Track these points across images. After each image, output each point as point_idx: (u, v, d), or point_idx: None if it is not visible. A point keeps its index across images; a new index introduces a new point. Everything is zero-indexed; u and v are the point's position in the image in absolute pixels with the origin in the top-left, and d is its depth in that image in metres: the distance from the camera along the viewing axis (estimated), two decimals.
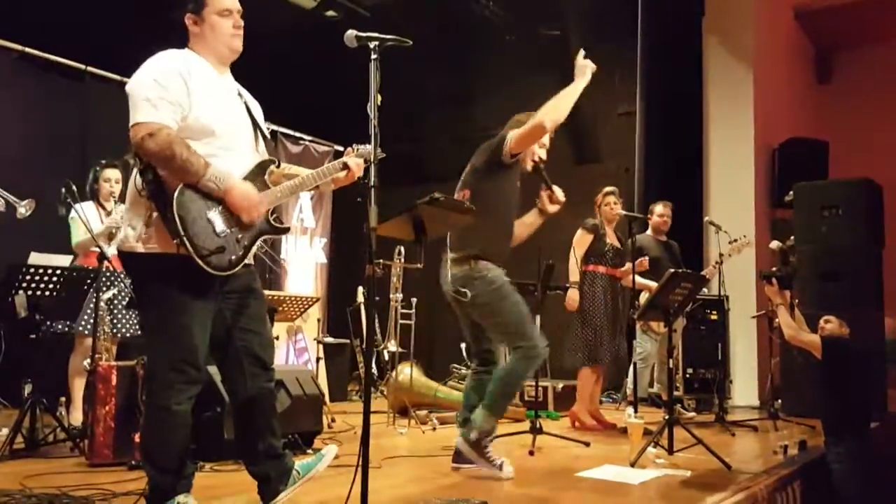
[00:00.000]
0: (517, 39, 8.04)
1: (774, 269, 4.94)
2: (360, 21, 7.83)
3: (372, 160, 2.41)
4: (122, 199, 4.54)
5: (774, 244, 6.20)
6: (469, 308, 3.50)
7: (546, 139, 3.75)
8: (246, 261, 2.54)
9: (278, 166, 2.70)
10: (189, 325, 2.44)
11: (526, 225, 3.79)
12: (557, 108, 3.47)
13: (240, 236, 2.49)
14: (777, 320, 4.51)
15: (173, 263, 2.38)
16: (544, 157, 3.79)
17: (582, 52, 3.55)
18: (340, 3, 7.70)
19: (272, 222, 2.60)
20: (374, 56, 2.43)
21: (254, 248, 2.58)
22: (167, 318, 2.44)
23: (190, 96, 2.43)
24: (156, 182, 2.39)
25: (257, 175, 2.60)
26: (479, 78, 8.73)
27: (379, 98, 2.43)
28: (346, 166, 2.73)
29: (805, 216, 6.51)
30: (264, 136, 2.73)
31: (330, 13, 7.68)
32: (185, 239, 2.33)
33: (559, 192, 3.72)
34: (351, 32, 2.53)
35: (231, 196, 2.44)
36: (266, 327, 2.73)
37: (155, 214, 2.40)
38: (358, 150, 2.74)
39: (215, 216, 2.43)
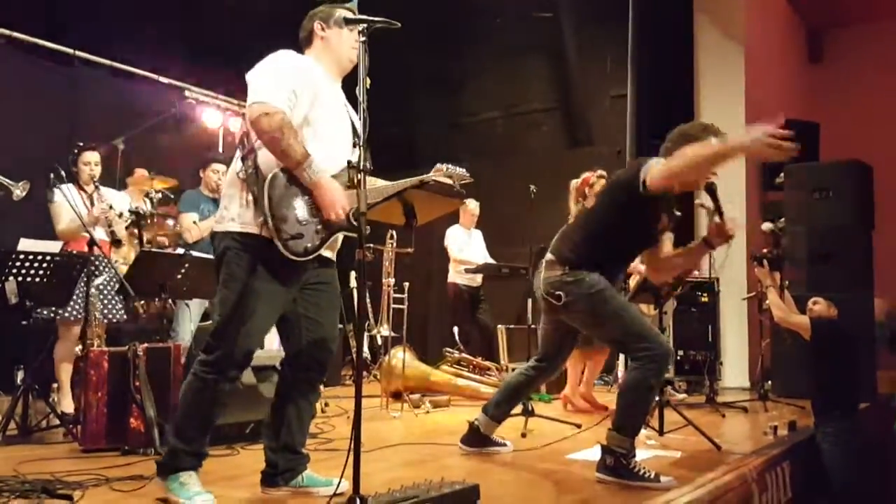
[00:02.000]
0: (507, 21, 8.00)
1: (765, 250, 4.96)
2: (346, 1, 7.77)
3: (361, 145, 2.42)
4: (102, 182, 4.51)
5: (766, 226, 6.22)
6: (563, 314, 3.26)
7: None
8: (323, 252, 2.64)
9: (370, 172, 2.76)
10: (259, 309, 2.56)
11: (691, 255, 3.42)
12: (701, 164, 2.94)
13: (319, 227, 2.60)
14: (767, 302, 4.54)
15: (257, 244, 2.53)
16: (715, 177, 3.24)
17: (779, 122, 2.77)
18: None
19: (352, 221, 2.63)
20: (362, 38, 2.44)
21: (330, 241, 2.66)
22: (240, 298, 2.55)
23: (302, 90, 2.59)
24: (254, 167, 2.56)
25: (348, 174, 2.66)
26: (470, 61, 8.70)
27: (368, 81, 2.44)
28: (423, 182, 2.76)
29: (796, 198, 6.52)
30: (361, 145, 2.77)
31: None
32: (269, 220, 2.48)
33: (731, 223, 3.21)
34: (340, 13, 2.55)
35: (319, 190, 2.56)
36: (330, 319, 2.81)
37: (249, 197, 2.55)
38: (447, 169, 2.81)
39: (300, 204, 2.57)
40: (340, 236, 2.70)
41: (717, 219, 3.24)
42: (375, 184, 2.78)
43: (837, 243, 6.22)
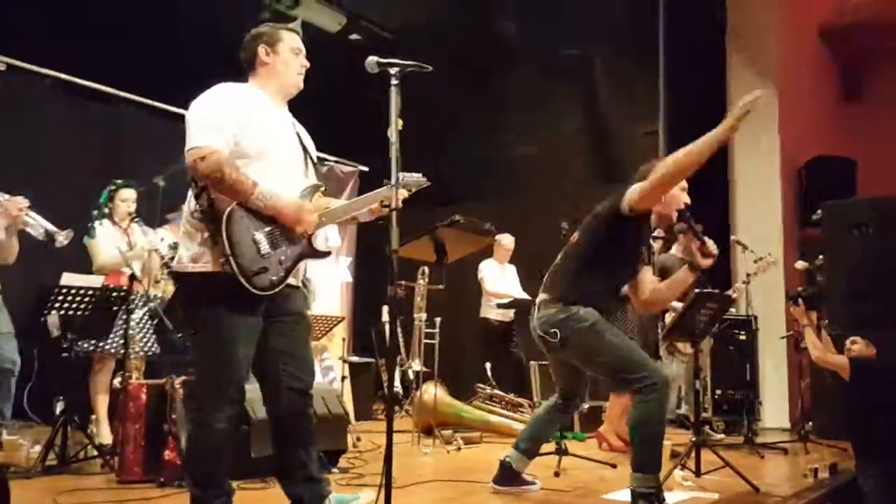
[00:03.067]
0: (538, 59, 8.08)
1: (800, 289, 4.88)
2: (383, 44, 7.95)
3: (394, 185, 2.45)
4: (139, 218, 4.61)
5: (800, 264, 6.12)
6: (561, 351, 3.30)
7: (684, 182, 3.30)
8: (290, 282, 2.63)
9: (325, 192, 2.80)
10: (234, 344, 2.54)
11: (677, 282, 3.44)
12: (691, 153, 2.99)
13: (282, 258, 2.59)
14: (804, 341, 4.45)
15: (221, 282, 2.49)
16: (688, 201, 3.36)
17: (756, 93, 2.90)
18: (364, 27, 7.83)
19: (314, 246, 2.69)
20: (394, 82, 2.49)
21: (296, 270, 2.66)
22: (213, 336, 2.55)
23: (242, 123, 2.57)
24: (209, 204, 2.53)
25: (306, 198, 2.71)
26: (501, 98, 8.78)
27: (400, 122, 2.48)
28: (382, 200, 2.77)
29: (834, 235, 6.42)
30: (314, 165, 2.86)
31: (354, 37, 7.81)
32: (230, 258, 2.46)
33: (711, 245, 3.29)
34: (372, 59, 2.61)
35: (282, 212, 2.56)
36: (308, 352, 2.81)
37: (205, 235, 2.53)
38: (403, 178, 2.73)
39: (261, 237, 2.55)
40: (303, 264, 2.69)
41: (697, 243, 3.29)
42: (331, 204, 2.79)
43: (877, 280, 6.09)
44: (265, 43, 2.71)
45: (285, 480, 2.73)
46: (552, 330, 3.23)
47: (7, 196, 4.23)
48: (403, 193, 2.68)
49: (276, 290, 2.55)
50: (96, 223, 4.39)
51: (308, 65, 2.78)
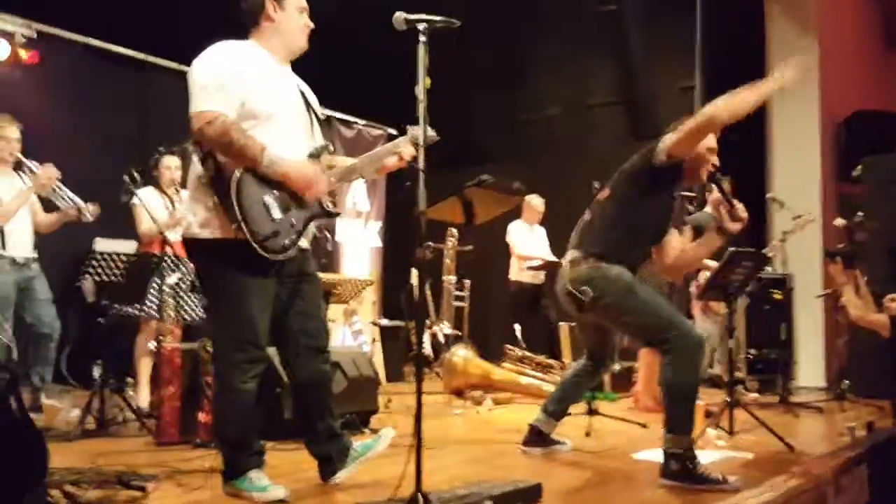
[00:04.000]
0: (570, 15, 7.89)
1: (840, 246, 4.75)
2: (409, 3, 7.80)
3: (420, 143, 2.40)
4: (182, 185, 4.65)
5: (839, 221, 5.95)
6: (592, 311, 3.20)
7: (713, 142, 3.19)
8: (301, 245, 2.61)
9: (332, 152, 2.77)
10: (249, 306, 2.54)
11: (703, 246, 3.35)
12: (731, 104, 2.89)
13: (294, 221, 2.57)
14: (843, 300, 4.36)
15: (233, 247, 2.48)
16: (717, 162, 3.24)
17: (799, 59, 2.81)
18: None
19: (325, 206, 2.67)
20: (422, 38, 2.42)
21: (308, 232, 2.64)
22: (229, 300, 2.56)
23: (246, 85, 2.51)
24: (215, 169, 2.49)
25: (314, 160, 2.68)
26: (530, 57, 8.62)
27: (428, 80, 2.43)
28: (398, 152, 2.76)
29: (874, 191, 6.27)
30: (320, 123, 2.80)
31: None
32: (242, 224, 2.44)
33: (741, 208, 3.17)
34: (399, 15, 2.53)
35: (291, 177, 2.53)
36: (320, 310, 2.83)
37: (215, 200, 2.50)
38: (411, 133, 2.69)
39: (271, 201, 2.52)
40: (313, 225, 2.68)
41: (726, 206, 3.18)
42: (346, 163, 2.77)
43: None
44: None
45: (311, 441, 2.77)
46: (583, 287, 3.14)
47: (38, 165, 4.29)
48: (411, 150, 2.65)
49: (289, 253, 2.55)
50: (132, 189, 4.42)
51: (312, 25, 2.71)
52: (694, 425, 3.09)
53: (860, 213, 6.22)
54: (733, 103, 2.90)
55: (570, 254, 3.29)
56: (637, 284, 3.15)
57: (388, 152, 2.78)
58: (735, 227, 3.18)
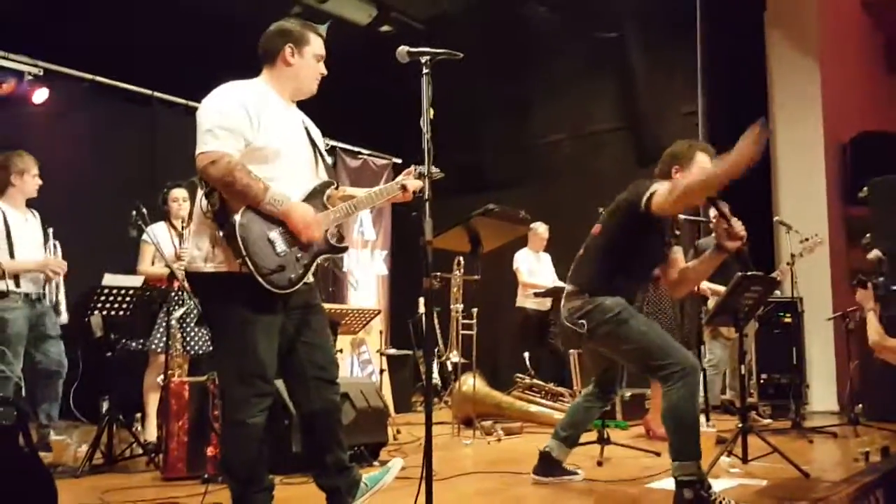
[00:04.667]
0: (573, 43, 7.96)
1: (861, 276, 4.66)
2: (414, 34, 7.90)
3: (426, 175, 2.41)
4: (191, 218, 4.67)
5: (873, 254, 5.81)
6: (590, 341, 3.33)
7: (706, 164, 3.27)
8: (307, 279, 2.61)
9: (336, 188, 2.80)
10: (256, 340, 2.53)
11: (703, 266, 3.39)
12: (704, 183, 3.00)
13: (299, 255, 2.58)
14: (851, 323, 4.32)
15: (238, 282, 2.48)
16: None
17: (757, 128, 2.83)
18: (395, 18, 7.79)
19: (331, 241, 2.68)
20: (425, 71, 2.45)
21: (313, 267, 2.65)
22: (235, 334, 2.54)
23: (252, 124, 2.54)
24: (220, 204, 2.50)
25: (316, 196, 2.70)
26: (535, 84, 8.68)
27: (432, 112, 2.45)
28: (404, 187, 2.78)
29: (881, 212, 6.24)
30: (324, 161, 2.84)
31: (385, 28, 7.78)
32: (247, 259, 2.44)
33: (738, 226, 3.19)
34: (403, 48, 2.57)
35: (291, 218, 2.54)
36: (328, 341, 2.82)
37: (219, 235, 2.50)
38: (418, 170, 2.74)
39: (276, 236, 2.53)
40: (319, 259, 2.67)
41: (724, 224, 3.20)
42: (357, 194, 2.78)
43: None
44: (293, 42, 2.67)
45: (320, 474, 2.74)
46: (579, 321, 3.26)
47: (58, 247, 4.32)
48: (418, 184, 2.67)
49: (296, 287, 2.56)
50: (140, 224, 4.43)
51: (325, 73, 2.75)
52: (700, 450, 3.06)
53: (868, 235, 6.21)
54: (706, 182, 2.99)
55: (568, 287, 3.41)
56: (632, 314, 3.22)
57: (395, 188, 2.80)
58: (733, 244, 3.22)
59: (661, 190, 3.09)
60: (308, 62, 2.69)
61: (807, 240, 5.52)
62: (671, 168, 3.30)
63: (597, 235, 3.39)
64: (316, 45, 2.72)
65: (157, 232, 4.54)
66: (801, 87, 7.20)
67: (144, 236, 4.45)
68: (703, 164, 3.27)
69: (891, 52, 9.17)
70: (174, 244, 4.63)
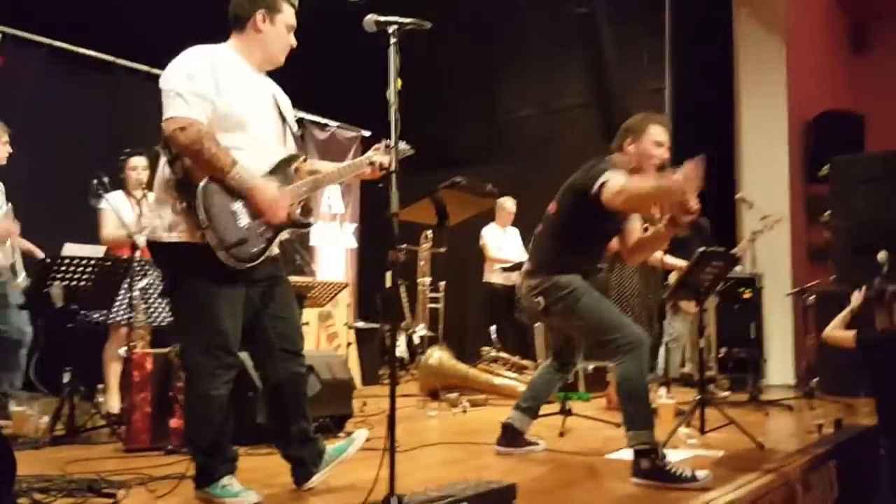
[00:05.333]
0: (542, 18, 7.94)
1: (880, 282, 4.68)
2: (384, 3, 7.80)
3: (393, 147, 2.41)
4: (149, 187, 4.60)
5: (882, 255, 5.56)
6: (546, 318, 3.47)
7: (660, 136, 3.32)
8: (269, 253, 2.59)
9: (304, 161, 2.76)
10: (219, 311, 2.51)
11: (657, 237, 3.43)
12: (635, 192, 3.05)
13: (262, 229, 2.55)
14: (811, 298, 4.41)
15: (200, 252, 2.45)
16: (666, 156, 3.35)
17: (696, 162, 2.82)
18: None
19: (295, 217, 2.65)
20: (392, 41, 2.42)
21: (276, 241, 2.63)
22: (197, 305, 2.52)
23: (220, 90, 2.49)
24: (183, 173, 2.46)
25: (283, 169, 2.66)
26: (504, 59, 8.66)
27: (399, 83, 2.43)
28: (372, 163, 2.76)
29: (841, 191, 6.39)
30: (292, 132, 2.79)
31: None
32: (208, 230, 2.41)
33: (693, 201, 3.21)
34: (370, 17, 2.53)
35: (254, 196, 2.50)
36: (294, 313, 2.80)
37: (182, 205, 2.46)
38: (386, 144, 2.70)
39: (239, 209, 2.50)
40: (283, 234, 2.66)
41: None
42: (327, 168, 2.76)
43: (885, 235, 6.04)
44: (265, 8, 2.62)
45: (285, 444, 2.75)
46: (536, 298, 3.35)
47: (9, 209, 4.22)
48: (387, 160, 2.65)
49: (259, 261, 2.53)
50: (99, 192, 4.36)
51: (295, 44, 2.71)
52: (652, 420, 3.16)
53: (827, 213, 6.35)
54: (651, 195, 3.06)
55: (526, 265, 3.49)
56: (585, 291, 3.29)
57: (363, 163, 2.78)
58: (685, 219, 3.25)
59: (611, 184, 3.10)
60: (279, 30, 2.64)
61: (767, 217, 5.63)
62: (624, 140, 3.36)
63: (552, 214, 3.44)
64: (288, 14, 2.67)
65: (116, 200, 4.46)
66: (767, 65, 7.28)
67: (104, 203, 4.37)
68: (655, 137, 3.32)
69: (855, 33, 9.31)
70: (135, 212, 4.55)
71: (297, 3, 2.72)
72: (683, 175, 2.80)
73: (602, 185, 3.12)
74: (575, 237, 3.34)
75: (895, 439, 3.84)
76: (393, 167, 2.43)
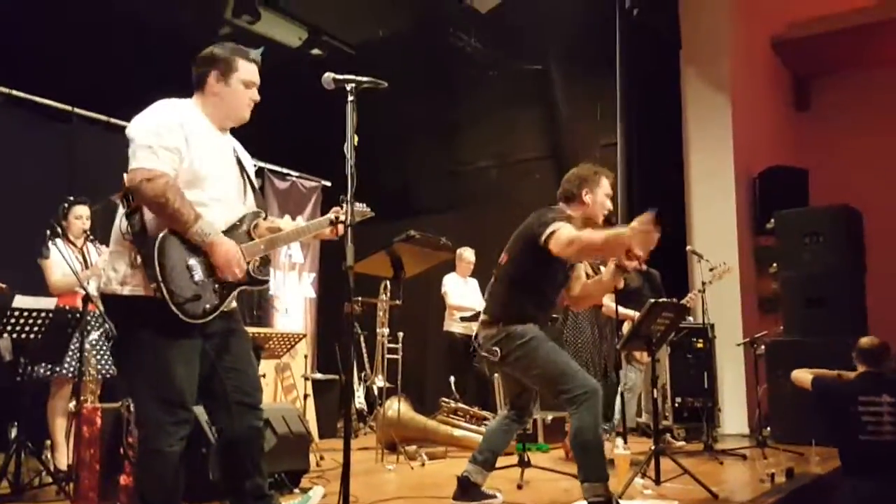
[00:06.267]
0: (499, 74, 8.16)
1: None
2: (345, 58, 7.95)
3: (349, 201, 2.45)
4: (104, 240, 4.56)
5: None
6: (501, 367, 3.52)
7: (609, 188, 3.56)
8: (223, 308, 2.57)
9: (265, 218, 2.78)
10: (173, 366, 2.48)
11: (602, 283, 3.59)
12: (587, 244, 3.20)
13: (217, 286, 2.54)
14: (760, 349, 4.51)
15: (154, 306, 2.43)
16: (610, 206, 3.58)
17: (649, 216, 2.95)
18: (325, 42, 7.81)
19: (252, 274, 2.65)
20: (350, 98, 2.49)
21: (231, 296, 2.61)
22: (151, 359, 2.48)
23: (185, 146, 2.51)
24: (141, 225, 2.46)
25: (243, 226, 2.68)
26: (462, 111, 8.84)
27: (356, 138, 2.49)
28: (332, 222, 2.78)
29: (787, 243, 6.60)
30: (254, 189, 2.81)
31: (315, 51, 7.79)
32: (161, 285, 2.40)
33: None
34: (328, 75, 2.62)
35: (214, 253, 2.51)
36: (252, 365, 2.78)
37: (137, 258, 2.45)
38: (345, 207, 2.69)
39: (195, 264, 2.50)
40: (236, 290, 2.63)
41: None
42: (285, 226, 2.77)
43: (830, 287, 6.26)
44: (218, 70, 2.65)
45: (238, 501, 2.68)
46: (493, 348, 3.42)
47: None
48: (341, 217, 2.68)
49: (211, 317, 2.52)
50: (49, 242, 4.31)
51: (258, 99, 2.73)
52: (607, 472, 3.21)
53: (774, 265, 6.55)
54: (605, 245, 3.16)
55: (482, 316, 3.56)
56: (541, 342, 3.37)
57: (323, 224, 2.80)
58: (631, 264, 3.38)
59: (560, 234, 3.22)
60: (235, 90, 2.66)
61: (715, 267, 5.78)
62: (581, 191, 3.49)
63: (505, 264, 3.53)
64: (245, 71, 2.68)
65: (58, 250, 4.41)
66: (714, 121, 7.57)
67: (51, 251, 4.31)
68: (606, 189, 3.52)
69: (798, 91, 9.75)
70: (78, 261, 4.48)
71: (258, 59, 2.74)
72: (638, 226, 2.91)
73: (551, 234, 3.23)
74: (527, 286, 3.43)
75: (858, 478, 3.89)
76: (349, 220, 2.47)
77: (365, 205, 2.72)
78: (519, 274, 3.45)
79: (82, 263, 4.49)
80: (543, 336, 3.40)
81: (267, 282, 2.75)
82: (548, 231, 3.27)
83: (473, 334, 6.84)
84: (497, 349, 3.40)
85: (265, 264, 2.73)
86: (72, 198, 4.67)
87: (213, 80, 2.65)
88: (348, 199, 2.46)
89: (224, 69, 2.65)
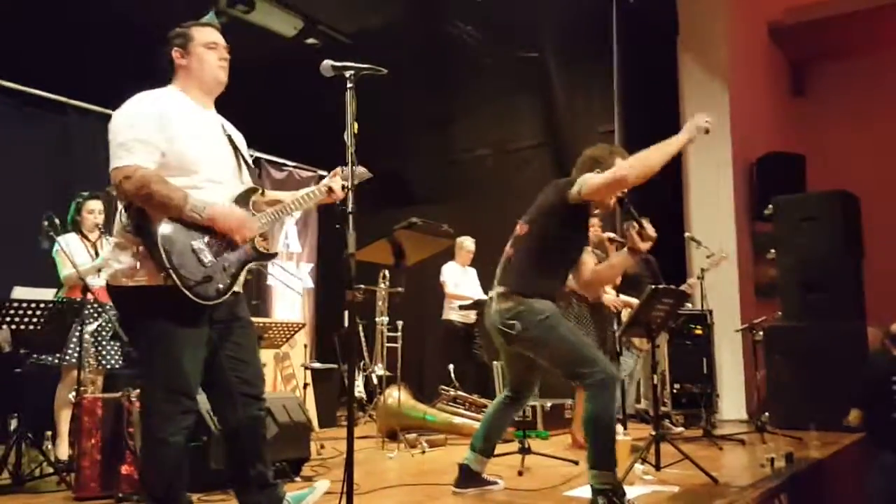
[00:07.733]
0: (495, 61, 8.13)
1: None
2: (340, 48, 7.92)
3: (349, 186, 2.44)
4: (101, 229, 4.55)
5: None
6: (518, 343, 3.35)
7: None
8: (235, 289, 2.58)
9: (262, 194, 2.77)
10: (180, 355, 2.48)
11: (613, 266, 3.58)
12: (647, 162, 3.15)
13: (227, 265, 2.54)
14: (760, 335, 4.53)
15: (162, 295, 2.43)
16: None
17: (704, 116, 3.06)
18: (321, 31, 7.78)
19: (258, 248, 2.65)
20: (349, 85, 2.48)
21: (242, 276, 2.62)
22: (158, 349, 2.49)
23: (168, 133, 2.49)
24: (140, 217, 2.45)
25: (241, 203, 2.67)
26: (459, 100, 8.82)
27: (356, 126, 2.48)
28: (330, 189, 2.78)
29: (785, 229, 6.61)
30: (248, 166, 2.79)
31: (311, 41, 7.76)
32: (171, 271, 2.39)
33: (649, 227, 3.33)
34: (327, 63, 2.60)
35: (217, 223, 2.51)
36: (255, 356, 2.78)
37: (141, 248, 2.45)
38: (343, 171, 2.74)
39: (201, 246, 2.49)
40: (247, 267, 2.65)
41: (635, 227, 3.36)
42: (284, 198, 2.78)
43: (827, 272, 6.27)
44: (177, 46, 2.66)
45: (242, 490, 2.69)
46: (511, 322, 3.27)
47: None
48: (339, 182, 2.69)
49: (224, 297, 2.52)
50: (61, 237, 4.29)
51: (228, 56, 2.71)
52: (616, 460, 3.17)
53: (772, 250, 6.56)
54: (648, 160, 3.15)
55: (497, 289, 3.41)
56: (560, 320, 3.30)
57: (322, 191, 2.80)
58: (644, 245, 3.35)
59: (593, 178, 3.20)
60: (199, 55, 2.65)
61: (712, 255, 5.78)
62: (593, 171, 3.38)
63: (523, 235, 3.41)
64: (201, 35, 2.67)
65: (70, 243, 4.41)
66: (712, 108, 7.49)
67: (56, 247, 4.31)
68: None
69: (795, 77, 9.74)
70: (90, 256, 4.50)
71: (214, 21, 2.73)
72: (692, 124, 3.00)
73: (584, 184, 3.20)
74: (547, 259, 3.34)
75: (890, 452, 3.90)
76: (350, 208, 2.46)
77: (362, 167, 2.70)
78: (542, 242, 3.33)
79: (94, 257, 4.49)
80: (561, 315, 3.31)
81: (275, 255, 2.75)
82: (580, 182, 3.21)
83: (472, 322, 6.96)
84: (515, 322, 3.26)
85: (265, 239, 2.72)
86: (85, 193, 4.66)
87: (178, 56, 2.66)
88: (349, 186, 2.44)
89: (183, 42, 2.66)
